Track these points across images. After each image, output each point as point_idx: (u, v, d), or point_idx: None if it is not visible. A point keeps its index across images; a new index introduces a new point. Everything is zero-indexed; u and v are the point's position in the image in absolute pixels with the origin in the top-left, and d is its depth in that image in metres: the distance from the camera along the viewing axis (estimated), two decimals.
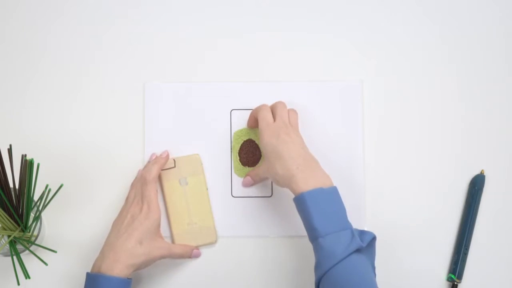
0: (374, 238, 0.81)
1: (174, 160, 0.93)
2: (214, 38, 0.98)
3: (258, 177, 0.92)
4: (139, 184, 0.90)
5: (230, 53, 0.98)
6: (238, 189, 0.94)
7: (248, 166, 0.93)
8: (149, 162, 0.93)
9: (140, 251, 0.84)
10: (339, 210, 0.82)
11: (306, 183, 0.81)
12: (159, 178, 0.93)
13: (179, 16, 0.98)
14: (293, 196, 0.83)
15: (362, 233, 0.81)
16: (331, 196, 0.82)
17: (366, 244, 0.79)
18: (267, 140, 0.86)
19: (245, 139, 0.93)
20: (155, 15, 0.98)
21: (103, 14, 0.98)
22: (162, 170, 0.92)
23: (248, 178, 0.93)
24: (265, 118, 0.88)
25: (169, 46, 0.98)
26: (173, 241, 0.92)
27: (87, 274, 0.83)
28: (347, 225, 0.81)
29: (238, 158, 0.93)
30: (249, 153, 0.93)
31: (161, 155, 0.93)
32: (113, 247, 0.84)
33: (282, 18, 0.98)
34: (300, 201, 0.81)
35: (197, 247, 0.92)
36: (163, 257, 0.88)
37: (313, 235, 0.80)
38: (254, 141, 0.93)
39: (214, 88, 0.96)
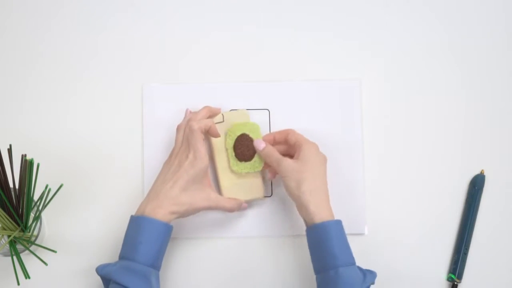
0: (375, 277, 0.84)
1: (222, 114, 0.93)
2: (213, 38, 0.98)
3: (275, 157, 0.89)
4: (187, 129, 0.88)
5: (229, 54, 0.98)
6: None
7: (245, 161, 0.92)
8: (202, 109, 0.91)
9: (184, 200, 0.84)
10: (348, 244, 0.84)
11: (327, 214, 0.84)
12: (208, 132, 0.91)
13: (177, 17, 0.98)
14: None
15: (368, 271, 0.84)
16: (344, 230, 0.85)
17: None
18: (315, 151, 0.88)
19: (238, 134, 0.93)
20: (153, 17, 0.98)
21: (102, 16, 0.98)
22: None
23: (262, 143, 0.91)
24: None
25: (167, 47, 0.98)
26: (221, 195, 0.91)
27: (131, 216, 0.84)
28: (354, 260, 0.83)
29: (233, 154, 0.92)
30: (244, 147, 0.92)
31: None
32: (158, 193, 0.84)
33: (281, 18, 0.98)
34: (325, 229, 0.83)
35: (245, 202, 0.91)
36: (209, 208, 0.87)
37: (332, 264, 0.81)
38: (248, 135, 0.92)
39: (212, 88, 0.96)
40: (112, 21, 0.98)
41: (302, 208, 0.85)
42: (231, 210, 0.89)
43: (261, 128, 0.94)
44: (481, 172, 0.94)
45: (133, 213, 0.85)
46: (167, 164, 0.88)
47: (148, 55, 0.98)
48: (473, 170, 0.95)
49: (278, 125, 0.95)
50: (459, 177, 0.95)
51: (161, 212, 0.83)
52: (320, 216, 0.83)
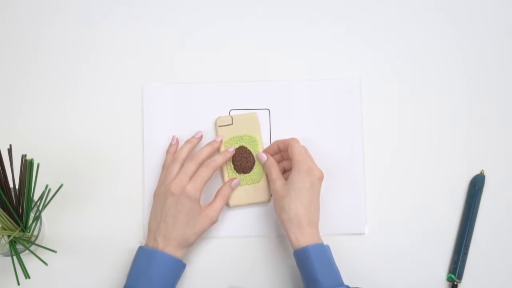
0: None
1: (232, 117, 0.93)
2: (213, 38, 0.98)
3: (272, 175, 0.90)
4: (192, 163, 0.87)
5: (229, 53, 0.98)
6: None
7: (243, 173, 0.93)
8: (208, 145, 0.91)
9: (190, 232, 0.86)
10: (335, 266, 0.84)
11: (308, 239, 0.84)
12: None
13: (178, 17, 0.98)
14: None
15: None
16: (329, 252, 0.85)
17: None
18: (304, 174, 0.86)
19: (237, 147, 0.93)
20: (153, 16, 0.98)
21: (102, 15, 0.98)
22: (219, 126, 0.93)
23: (265, 156, 0.91)
24: (304, 151, 0.89)
25: (167, 47, 0.98)
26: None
27: (141, 247, 0.85)
28: (342, 282, 0.83)
29: (232, 166, 0.93)
30: (243, 160, 0.93)
31: (196, 138, 0.92)
32: (161, 232, 0.85)
33: (281, 17, 0.98)
34: (304, 254, 0.83)
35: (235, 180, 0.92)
36: (213, 222, 0.88)
37: None
38: (246, 147, 0.93)
39: (212, 88, 0.96)
40: (112, 20, 0.98)
41: (285, 233, 0.86)
42: (225, 198, 0.90)
43: (261, 128, 0.94)
44: (481, 172, 0.94)
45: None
46: (158, 196, 0.88)
47: (148, 55, 0.97)
48: (473, 170, 0.95)
49: (278, 125, 0.95)
50: (459, 177, 0.95)
51: (171, 251, 0.85)
52: (299, 243, 0.84)
